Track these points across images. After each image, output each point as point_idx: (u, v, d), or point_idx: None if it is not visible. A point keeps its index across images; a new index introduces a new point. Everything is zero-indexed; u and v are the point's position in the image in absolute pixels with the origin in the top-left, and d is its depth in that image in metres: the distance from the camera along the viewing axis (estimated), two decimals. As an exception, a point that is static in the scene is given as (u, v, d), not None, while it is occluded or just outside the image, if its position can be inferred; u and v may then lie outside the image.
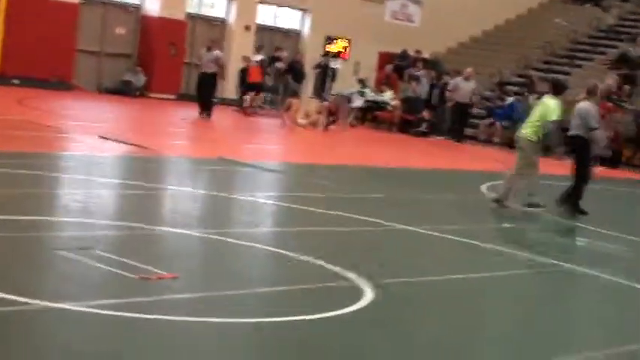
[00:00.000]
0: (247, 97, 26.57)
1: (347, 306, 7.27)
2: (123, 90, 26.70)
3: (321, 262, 8.69)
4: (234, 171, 14.85)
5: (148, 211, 10.65)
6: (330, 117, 24.94)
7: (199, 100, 23.32)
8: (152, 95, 27.00)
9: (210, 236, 9.46)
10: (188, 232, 9.52)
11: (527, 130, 14.08)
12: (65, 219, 9.46)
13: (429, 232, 11.23)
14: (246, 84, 26.88)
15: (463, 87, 26.83)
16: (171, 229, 9.56)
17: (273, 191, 13.72)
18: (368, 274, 8.32)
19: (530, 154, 14.08)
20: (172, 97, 27.62)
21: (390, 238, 10.88)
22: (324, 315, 6.99)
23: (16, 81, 24.68)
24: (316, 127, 24.48)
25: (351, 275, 8.27)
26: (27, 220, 8.95)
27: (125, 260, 7.70)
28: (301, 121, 24.17)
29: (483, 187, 16.50)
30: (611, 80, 27.77)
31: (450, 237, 11.10)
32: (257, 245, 9.25)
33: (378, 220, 11.48)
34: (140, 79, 27.14)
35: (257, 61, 27.55)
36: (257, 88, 26.84)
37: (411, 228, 11.34)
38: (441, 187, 16.91)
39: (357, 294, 7.68)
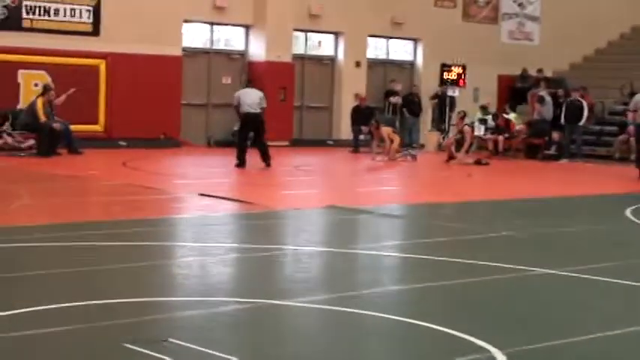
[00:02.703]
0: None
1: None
2: (233, 142, 25.52)
3: (447, 329, 7.19)
4: (346, 220, 13.42)
5: (246, 279, 9.27)
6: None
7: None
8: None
9: (316, 306, 8.02)
10: (292, 303, 8.08)
11: None
12: (145, 299, 8.10)
13: (575, 275, 9.59)
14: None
15: None
16: (270, 302, 8.13)
17: (389, 240, 12.21)
18: (504, 341, 6.80)
19: None
20: (286, 143, 26.43)
21: (528, 287, 9.22)
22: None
23: (122, 143, 23.82)
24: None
25: (484, 344, 6.75)
26: (97, 305, 7.64)
27: (207, 350, 6.33)
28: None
29: (628, 212, 14.73)
30: None
31: (599, 278, 9.45)
32: (372, 313, 7.76)
33: (511, 266, 9.90)
34: (252, 129, 25.98)
35: None
36: None
37: (552, 271, 9.71)
38: (582, 216, 15.15)
39: (493, 371, 6.18)
